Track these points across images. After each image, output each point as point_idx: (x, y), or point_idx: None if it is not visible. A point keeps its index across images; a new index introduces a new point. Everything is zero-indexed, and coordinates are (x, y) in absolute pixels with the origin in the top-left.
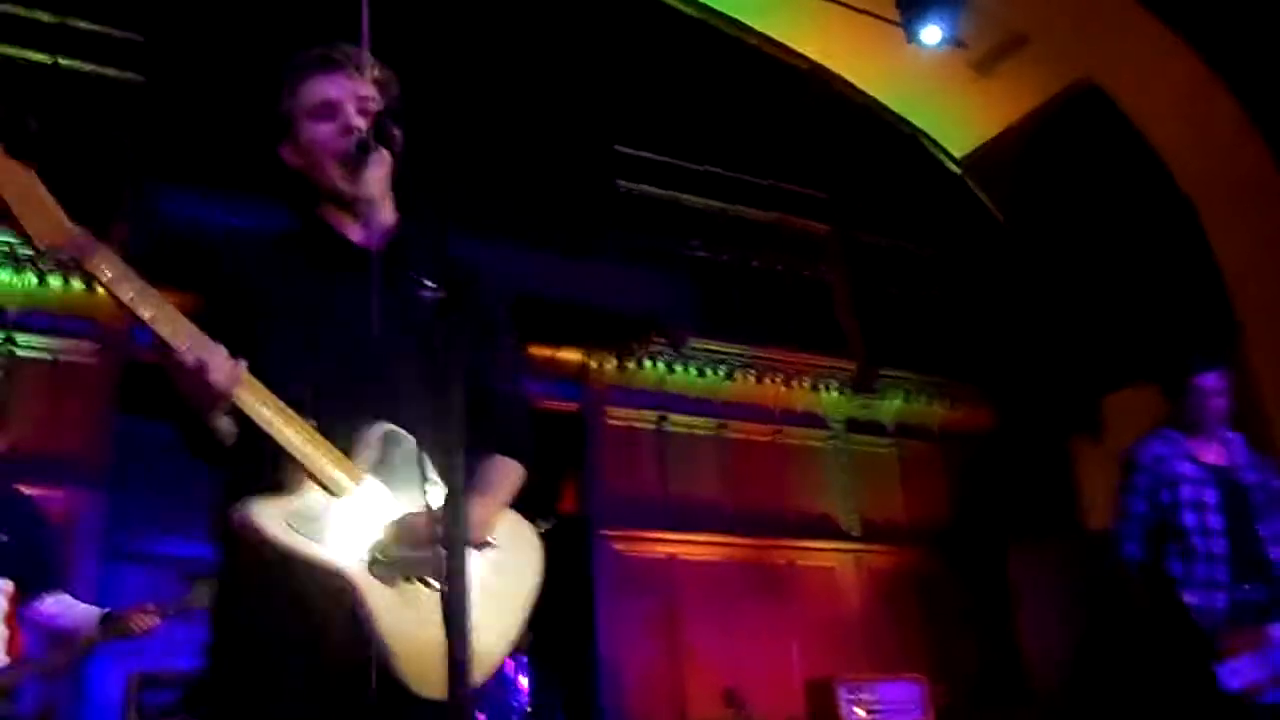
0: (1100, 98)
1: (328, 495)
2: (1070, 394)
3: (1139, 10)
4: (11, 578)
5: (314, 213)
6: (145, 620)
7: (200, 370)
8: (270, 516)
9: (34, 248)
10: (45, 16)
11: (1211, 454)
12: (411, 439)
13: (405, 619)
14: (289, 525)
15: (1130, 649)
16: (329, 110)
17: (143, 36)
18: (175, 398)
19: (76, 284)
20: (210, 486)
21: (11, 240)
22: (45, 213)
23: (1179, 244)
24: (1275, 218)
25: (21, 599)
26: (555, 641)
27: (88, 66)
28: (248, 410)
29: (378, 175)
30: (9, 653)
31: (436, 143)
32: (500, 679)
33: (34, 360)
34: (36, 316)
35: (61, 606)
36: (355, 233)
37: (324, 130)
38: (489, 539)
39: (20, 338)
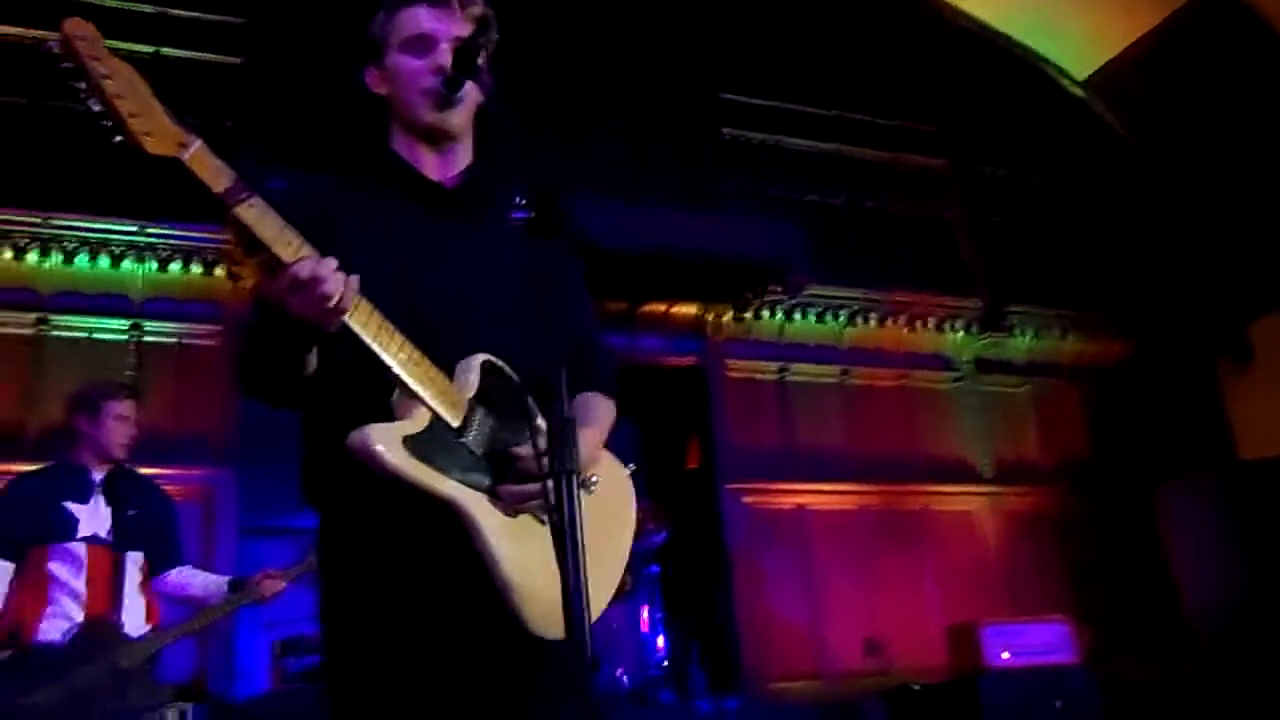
0: (1234, 4)
1: (439, 423)
2: (1213, 319)
3: None
4: (141, 551)
5: (388, 148)
6: (271, 585)
7: (315, 279)
8: (388, 441)
9: (142, 152)
10: (146, 7)
11: None
12: (510, 370)
13: (522, 554)
14: (408, 453)
15: None
16: (423, 44)
17: (242, 19)
18: (271, 330)
19: (196, 268)
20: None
21: (131, 229)
22: (152, 117)
23: None
24: None
25: (150, 572)
26: (691, 597)
27: (188, 53)
28: (358, 329)
29: (464, 110)
30: (148, 620)
31: (539, 100)
32: (638, 638)
33: (160, 345)
34: (160, 302)
35: (187, 576)
36: (431, 168)
37: (414, 64)
38: (592, 475)
39: (147, 324)
